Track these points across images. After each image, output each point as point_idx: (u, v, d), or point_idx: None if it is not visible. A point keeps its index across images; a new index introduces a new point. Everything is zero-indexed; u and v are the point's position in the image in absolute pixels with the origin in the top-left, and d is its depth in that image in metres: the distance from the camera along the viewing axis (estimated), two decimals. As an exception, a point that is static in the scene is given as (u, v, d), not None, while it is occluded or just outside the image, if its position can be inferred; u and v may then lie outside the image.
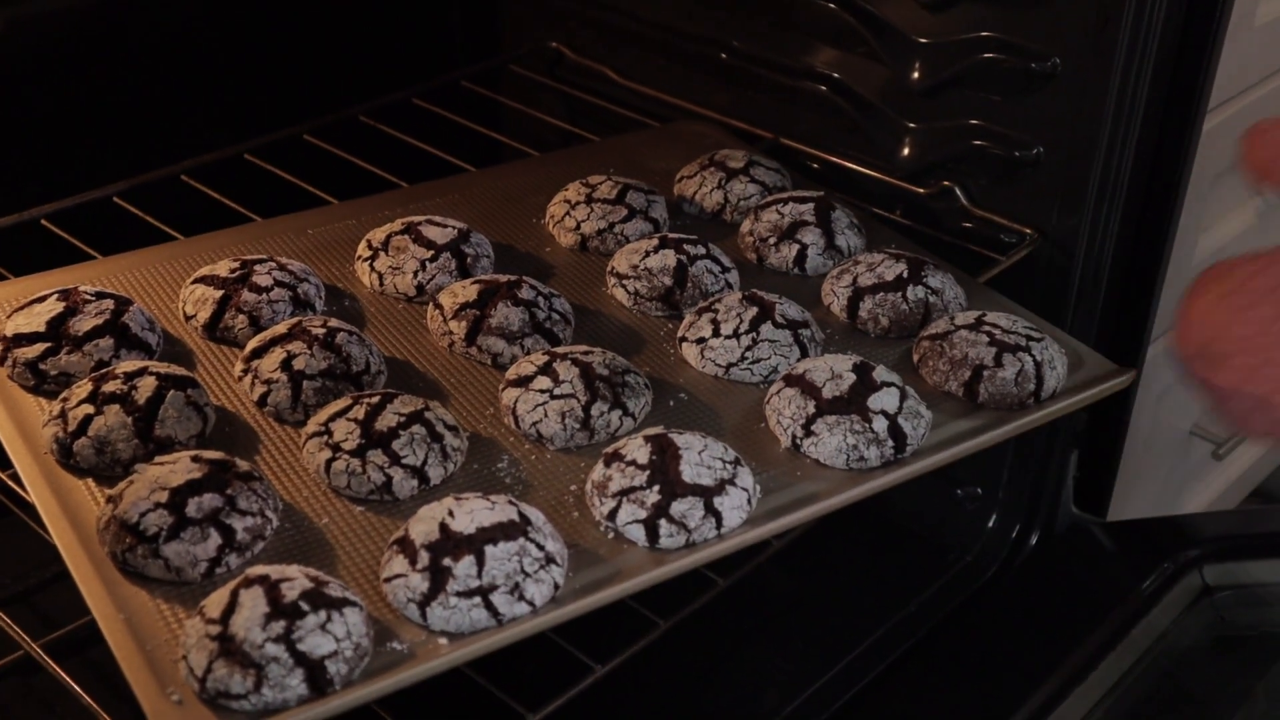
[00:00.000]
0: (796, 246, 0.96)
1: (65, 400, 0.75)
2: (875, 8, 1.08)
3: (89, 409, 0.74)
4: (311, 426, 0.75)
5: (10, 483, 0.80)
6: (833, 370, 0.79)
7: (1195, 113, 0.98)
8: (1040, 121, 1.00)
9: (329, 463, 0.73)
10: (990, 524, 1.13)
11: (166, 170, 1.12)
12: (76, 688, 0.75)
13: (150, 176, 1.11)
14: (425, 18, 1.40)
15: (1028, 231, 1.02)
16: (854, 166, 1.13)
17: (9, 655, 0.83)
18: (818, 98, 1.15)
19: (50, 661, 0.77)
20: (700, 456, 0.72)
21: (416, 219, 0.95)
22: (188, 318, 0.87)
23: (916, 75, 1.08)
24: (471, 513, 0.66)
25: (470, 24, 1.42)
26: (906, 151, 1.11)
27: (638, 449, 0.73)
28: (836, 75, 1.14)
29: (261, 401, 0.79)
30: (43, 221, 1.04)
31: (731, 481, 0.72)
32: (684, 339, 0.86)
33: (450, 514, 0.66)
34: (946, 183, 1.08)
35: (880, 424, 0.77)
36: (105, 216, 1.07)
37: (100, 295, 0.84)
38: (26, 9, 1.10)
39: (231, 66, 1.27)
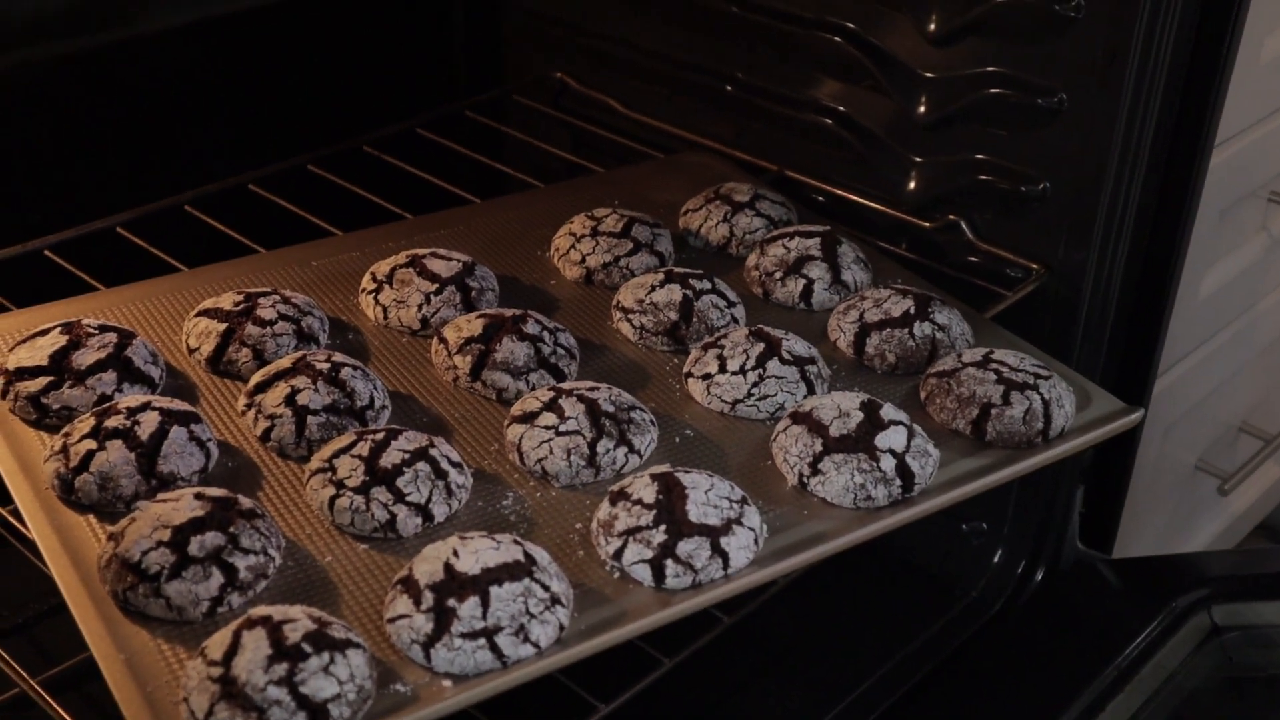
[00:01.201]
0: (803, 281, 0.95)
1: (67, 435, 0.75)
2: (880, 41, 1.08)
3: (91, 444, 0.73)
4: (315, 463, 0.74)
5: (10, 518, 0.79)
6: (840, 408, 0.79)
7: (1202, 148, 0.98)
8: (1046, 156, 1.00)
9: (332, 500, 0.72)
10: (995, 559, 1.12)
11: (170, 200, 1.12)
12: None
13: (154, 207, 1.10)
14: (429, 48, 1.41)
15: (1034, 266, 1.02)
16: (859, 200, 1.13)
17: (6, 691, 0.82)
18: (822, 130, 1.15)
19: (48, 698, 0.76)
20: (707, 496, 0.72)
21: (421, 252, 0.95)
22: (191, 351, 0.87)
23: (922, 109, 1.07)
24: (476, 552, 0.66)
25: (474, 54, 1.42)
26: (912, 185, 1.10)
27: (644, 488, 0.72)
28: (841, 108, 1.14)
29: (265, 436, 0.79)
30: (46, 252, 1.04)
31: (738, 521, 0.72)
32: (690, 375, 0.86)
33: (455, 554, 0.66)
34: (952, 216, 1.08)
35: (888, 463, 0.76)
36: (108, 247, 1.07)
37: (103, 328, 0.84)
38: (30, 50, 1.10)
39: (235, 97, 1.27)
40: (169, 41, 1.20)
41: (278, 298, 0.89)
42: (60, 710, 0.75)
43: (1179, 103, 0.96)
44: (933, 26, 1.04)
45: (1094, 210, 0.98)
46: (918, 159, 1.10)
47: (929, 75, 1.06)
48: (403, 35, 1.37)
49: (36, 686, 0.77)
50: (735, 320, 0.92)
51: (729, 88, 1.21)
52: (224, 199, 1.14)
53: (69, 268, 1.02)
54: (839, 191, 1.14)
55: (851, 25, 1.09)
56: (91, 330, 0.83)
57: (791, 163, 1.18)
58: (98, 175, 1.18)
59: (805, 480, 0.77)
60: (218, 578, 0.66)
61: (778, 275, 0.96)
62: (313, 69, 1.32)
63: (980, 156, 1.05)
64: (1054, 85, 0.98)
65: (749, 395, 0.83)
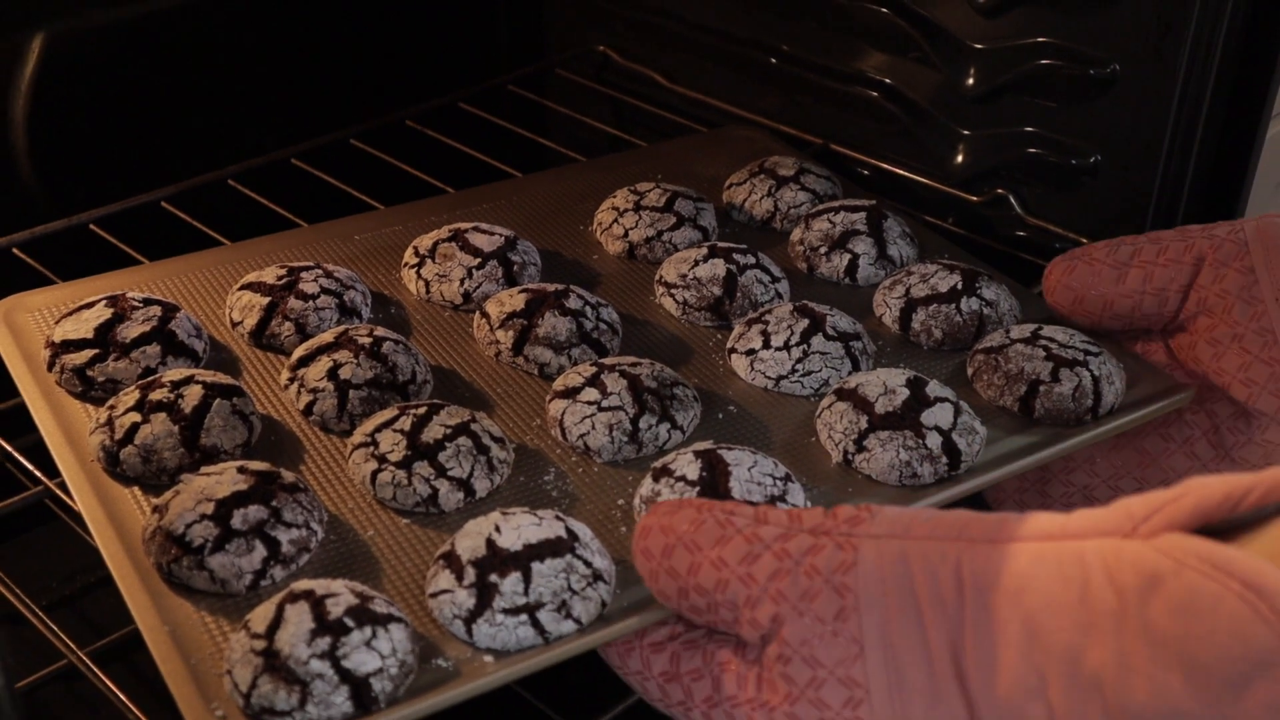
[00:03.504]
0: (848, 256, 0.94)
1: (112, 408, 0.75)
2: (928, 12, 1.06)
3: (136, 417, 0.74)
4: (357, 437, 0.74)
5: (58, 490, 0.80)
6: (885, 384, 0.78)
7: (1259, 120, 0.95)
8: (1098, 129, 0.99)
9: (374, 474, 0.72)
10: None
11: (214, 175, 1.12)
12: (122, 695, 0.75)
13: (197, 181, 1.11)
14: (472, 22, 1.40)
15: (1084, 241, 1.00)
16: (905, 173, 1.11)
17: (56, 662, 0.83)
18: (868, 103, 1.14)
19: (95, 669, 0.78)
20: (750, 473, 0.71)
21: (463, 226, 0.94)
22: (234, 324, 0.87)
23: (971, 81, 1.06)
24: (518, 528, 0.65)
25: (517, 28, 1.42)
26: (959, 158, 1.09)
27: (687, 464, 0.71)
28: (888, 80, 1.12)
29: (307, 410, 0.79)
30: (91, 226, 1.05)
31: (782, 498, 0.71)
32: (733, 350, 0.85)
33: (497, 529, 0.65)
34: (1000, 190, 1.06)
35: (934, 440, 0.75)
36: (153, 221, 1.08)
37: (148, 301, 0.84)
38: (73, 20, 1.11)
39: (278, 71, 1.27)
40: (212, 14, 1.20)
41: (320, 272, 0.88)
42: (108, 681, 0.76)
43: (1235, 73, 0.94)
44: None
45: (1147, 184, 0.96)
46: (965, 132, 1.08)
47: (978, 46, 1.04)
48: (446, 9, 1.37)
49: (84, 658, 0.79)
50: (779, 295, 0.91)
51: (773, 60, 1.20)
52: (268, 173, 1.14)
53: (114, 241, 1.03)
54: (885, 165, 1.12)
55: None
56: (136, 304, 0.83)
57: (837, 136, 1.17)
58: (141, 150, 1.18)
59: (850, 457, 0.76)
60: (260, 551, 0.66)
61: (822, 250, 0.95)
62: (356, 43, 1.32)
63: (1029, 129, 1.03)
64: (1107, 55, 0.96)
65: (793, 371, 0.83)
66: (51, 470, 0.79)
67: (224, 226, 1.05)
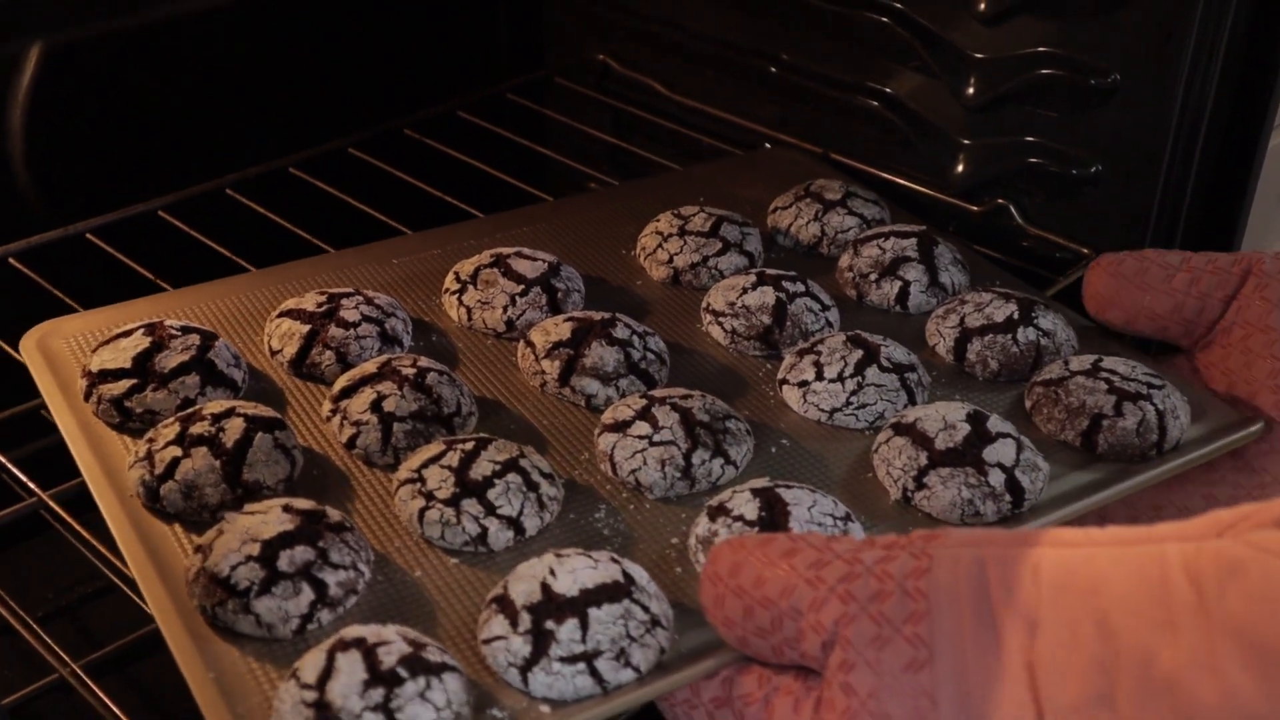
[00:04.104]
0: (899, 283, 0.92)
1: (151, 441, 0.73)
2: (929, 21, 1.06)
3: (176, 451, 0.72)
4: (403, 473, 0.72)
5: (51, 501, 0.80)
6: (945, 419, 0.76)
7: (1260, 130, 0.95)
8: (1099, 138, 0.98)
9: (422, 512, 0.70)
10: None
11: (211, 184, 1.13)
12: (115, 709, 0.74)
13: (195, 190, 1.11)
14: (471, 30, 1.40)
15: (1084, 251, 1.01)
16: (905, 183, 1.11)
17: (51, 675, 0.82)
18: (869, 112, 1.14)
19: (89, 681, 0.77)
20: (810, 513, 0.69)
21: (505, 251, 0.92)
22: (273, 353, 0.85)
23: (971, 90, 1.05)
24: (574, 571, 0.63)
25: (516, 36, 1.41)
26: (960, 168, 1.08)
27: (745, 503, 0.69)
28: (888, 90, 1.12)
29: (350, 443, 0.77)
30: (88, 236, 1.05)
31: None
32: (785, 381, 0.83)
33: (552, 573, 0.63)
34: (1001, 200, 1.06)
35: (997, 477, 0.73)
36: (150, 230, 1.08)
37: (186, 330, 0.82)
38: (70, 30, 1.10)
39: (276, 80, 1.26)
40: (208, 23, 1.19)
41: (360, 298, 0.87)
42: (101, 694, 0.76)
43: (1237, 83, 0.93)
44: (983, 5, 1.02)
45: (1148, 193, 0.96)
46: (966, 141, 1.08)
47: (978, 56, 1.04)
48: (445, 17, 1.36)
49: (78, 670, 0.78)
50: (830, 324, 0.89)
51: (774, 69, 1.19)
52: (265, 182, 1.14)
53: (111, 251, 1.03)
54: (885, 175, 1.12)
55: (899, 5, 1.08)
56: (174, 332, 0.81)
57: (837, 145, 1.16)
58: (139, 159, 1.18)
59: (910, 495, 0.74)
60: (308, 594, 0.64)
61: (872, 277, 0.93)
62: (354, 52, 1.31)
63: (1030, 139, 1.03)
64: (1108, 65, 0.95)
65: (847, 404, 0.80)
66: (45, 481, 0.78)
67: (222, 236, 1.05)
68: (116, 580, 0.83)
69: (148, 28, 1.15)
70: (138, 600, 0.80)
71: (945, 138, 1.08)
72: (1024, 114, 1.02)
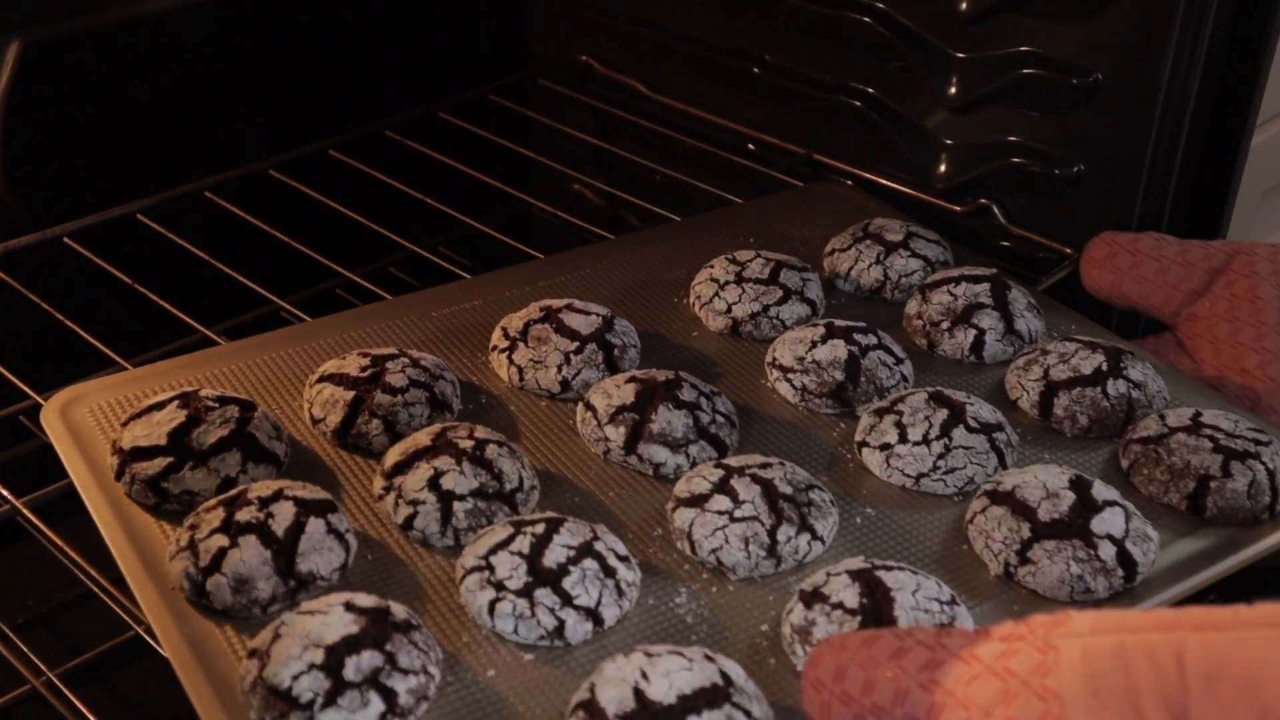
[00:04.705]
0: (973, 332, 0.87)
1: (194, 529, 0.68)
2: (911, 21, 1.05)
3: (222, 540, 0.66)
4: (469, 560, 0.67)
5: (25, 510, 0.80)
6: (1046, 487, 0.70)
7: (1243, 128, 0.93)
8: (1081, 138, 0.98)
9: (493, 604, 0.64)
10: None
11: (190, 186, 1.11)
12: (92, 718, 0.73)
13: (174, 193, 1.10)
14: (453, 31, 1.38)
15: (1067, 250, 0.99)
16: (888, 183, 1.10)
17: (27, 684, 0.81)
18: (851, 112, 1.13)
19: (65, 690, 0.76)
20: (915, 597, 0.63)
21: (555, 304, 0.87)
22: (315, 421, 0.79)
23: (954, 91, 1.05)
24: (668, 674, 0.58)
25: (499, 38, 1.40)
26: (943, 168, 1.08)
27: (843, 589, 0.64)
28: (871, 90, 1.11)
29: (407, 525, 0.71)
30: (65, 240, 1.03)
31: (950, 625, 0.63)
32: (864, 444, 0.78)
33: (643, 675, 0.58)
34: (984, 200, 1.05)
35: (1107, 550, 0.68)
36: (128, 234, 1.06)
37: (222, 400, 0.76)
38: (48, 30, 1.08)
39: (256, 82, 1.24)
40: (188, 24, 1.17)
41: (406, 360, 0.81)
42: (77, 702, 0.75)
43: (1219, 81, 0.92)
44: (964, 5, 1.02)
45: (1131, 193, 0.95)
46: (948, 141, 1.07)
47: (960, 56, 1.03)
48: (427, 19, 1.35)
49: (55, 679, 0.77)
50: (905, 378, 0.83)
51: (756, 70, 1.19)
52: (245, 185, 1.13)
53: (89, 255, 1.02)
54: (868, 175, 1.12)
55: (882, 5, 1.07)
56: (211, 403, 0.76)
57: (820, 146, 1.16)
58: (117, 162, 1.16)
59: (1012, 570, 0.69)
60: (377, 704, 0.58)
61: (944, 325, 0.87)
62: (335, 53, 1.29)
63: (1013, 139, 1.03)
64: (1090, 65, 0.95)
65: (934, 468, 0.75)
66: (19, 488, 0.77)
67: (201, 240, 1.04)
68: (94, 588, 0.81)
69: (127, 27, 1.13)
70: (116, 608, 0.81)
71: (928, 138, 1.08)
72: (1006, 114, 1.02)
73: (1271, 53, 0.91)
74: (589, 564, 0.65)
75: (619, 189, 1.21)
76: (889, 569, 0.65)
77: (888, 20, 1.07)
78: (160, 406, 0.76)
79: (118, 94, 1.14)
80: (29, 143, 1.08)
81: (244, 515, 0.67)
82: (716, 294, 0.91)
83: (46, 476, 0.77)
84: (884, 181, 1.10)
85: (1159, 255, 0.88)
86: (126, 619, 0.81)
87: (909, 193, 1.09)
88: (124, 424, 0.76)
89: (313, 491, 0.70)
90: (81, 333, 0.96)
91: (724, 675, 0.59)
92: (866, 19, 1.08)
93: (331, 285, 1.23)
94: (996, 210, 1.04)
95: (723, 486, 0.71)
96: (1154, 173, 0.94)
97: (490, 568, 0.65)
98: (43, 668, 0.77)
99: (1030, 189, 1.02)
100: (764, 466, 0.72)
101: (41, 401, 0.81)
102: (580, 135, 1.27)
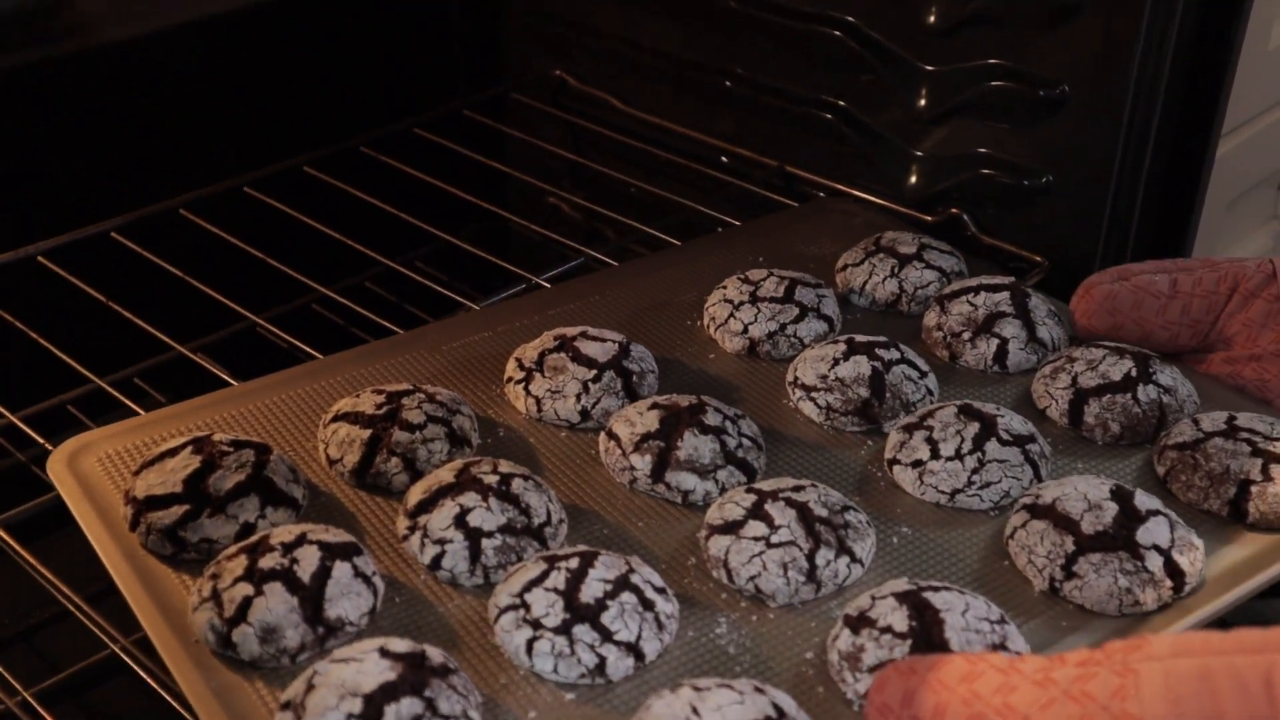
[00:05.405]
0: (995, 341, 0.85)
1: (216, 578, 0.65)
2: (881, 35, 1.06)
3: (247, 589, 0.64)
4: (502, 598, 0.65)
5: (1, 531, 0.80)
6: (1088, 498, 0.69)
7: (1209, 138, 0.94)
8: (1050, 149, 0.98)
9: (530, 643, 0.62)
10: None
11: (164, 204, 1.11)
12: None
13: (148, 211, 1.10)
14: (427, 47, 1.38)
15: (1038, 259, 1.00)
16: (860, 194, 1.11)
17: (1, 703, 0.79)
18: (823, 124, 1.13)
19: (43, 711, 0.75)
20: (965, 619, 0.62)
21: (569, 332, 0.85)
22: (331, 461, 0.77)
23: (923, 103, 1.05)
24: (720, 709, 0.56)
25: (472, 53, 1.40)
26: (913, 179, 1.08)
27: (890, 612, 0.62)
28: (842, 103, 1.12)
29: (434, 564, 0.69)
30: (39, 259, 1.03)
31: (1003, 645, 0.62)
32: (895, 461, 0.76)
33: (694, 710, 0.56)
34: (954, 210, 1.06)
35: (1155, 561, 0.66)
36: (103, 252, 1.06)
37: (237, 445, 0.74)
38: (20, 53, 1.08)
39: (230, 99, 1.23)
40: (162, 43, 1.17)
41: (422, 395, 0.79)
42: None
43: (1185, 92, 0.92)
44: (933, 19, 1.02)
45: (1099, 203, 0.96)
46: (919, 153, 1.08)
47: (929, 68, 1.04)
48: (400, 34, 1.35)
49: (29, 698, 0.76)
50: (930, 392, 0.82)
51: (729, 83, 1.19)
52: (220, 202, 1.13)
53: (63, 274, 1.01)
54: (840, 186, 1.13)
55: (851, 19, 1.08)
56: (225, 448, 0.74)
57: (792, 158, 1.16)
58: (91, 180, 1.15)
59: (1057, 585, 0.67)
60: (419, 754, 0.56)
61: (966, 336, 0.86)
62: (309, 69, 1.29)
63: (982, 150, 1.03)
64: (1056, 76, 0.96)
65: (969, 483, 0.74)
66: None
67: (176, 257, 1.03)
68: (69, 606, 0.80)
69: (97, 48, 1.12)
70: (91, 626, 0.79)
71: (899, 149, 1.09)
72: (976, 125, 1.02)
73: (1235, 64, 0.92)
74: (627, 597, 0.64)
75: (595, 203, 1.21)
76: (935, 589, 0.63)
77: (858, 34, 1.08)
78: (174, 453, 0.74)
79: (91, 113, 1.14)
80: (1, 162, 1.08)
81: (267, 562, 0.65)
82: (732, 314, 0.89)
83: (16, 497, 0.77)
84: (856, 193, 1.11)
85: (1165, 323, 0.84)
86: (102, 637, 0.79)
87: (881, 203, 1.09)
88: (136, 472, 0.74)
89: (336, 534, 0.68)
90: (56, 351, 0.97)
91: (776, 708, 0.57)
92: (837, 33, 1.09)
93: (308, 301, 1.22)
94: (968, 220, 1.05)
95: (757, 512, 0.69)
96: (1121, 183, 0.95)
97: (526, 605, 0.63)
98: (17, 687, 0.76)
99: (1000, 199, 1.03)
100: (797, 489, 0.71)
101: (15, 420, 0.80)
102: (555, 149, 1.27)
